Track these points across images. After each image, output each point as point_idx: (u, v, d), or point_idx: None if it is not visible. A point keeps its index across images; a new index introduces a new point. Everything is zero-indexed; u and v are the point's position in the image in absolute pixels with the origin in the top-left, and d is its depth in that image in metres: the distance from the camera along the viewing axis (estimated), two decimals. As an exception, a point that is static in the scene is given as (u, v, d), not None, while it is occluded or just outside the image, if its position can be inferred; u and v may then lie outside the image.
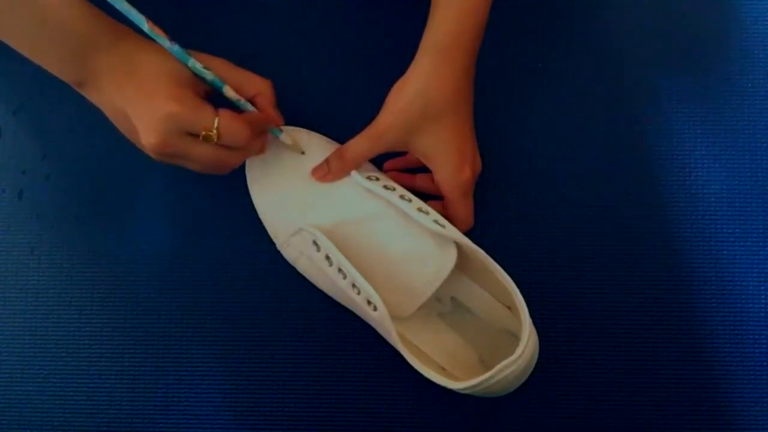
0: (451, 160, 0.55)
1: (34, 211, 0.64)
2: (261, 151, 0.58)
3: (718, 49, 0.64)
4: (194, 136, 0.50)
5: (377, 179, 0.57)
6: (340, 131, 0.60)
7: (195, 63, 0.51)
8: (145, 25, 0.50)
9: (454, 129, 0.55)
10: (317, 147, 0.60)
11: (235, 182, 0.61)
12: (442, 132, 0.55)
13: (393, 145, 0.56)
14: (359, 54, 0.65)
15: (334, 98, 0.64)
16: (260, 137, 0.56)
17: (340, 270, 0.55)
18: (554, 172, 0.63)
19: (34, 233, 0.64)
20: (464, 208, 0.58)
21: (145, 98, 0.49)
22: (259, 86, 0.55)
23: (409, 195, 0.56)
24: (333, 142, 0.61)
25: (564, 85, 0.64)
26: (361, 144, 0.56)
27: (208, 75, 0.52)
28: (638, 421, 0.60)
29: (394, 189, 0.56)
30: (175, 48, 0.51)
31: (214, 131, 0.50)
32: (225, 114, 0.51)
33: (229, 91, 0.54)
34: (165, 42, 0.50)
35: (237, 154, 0.53)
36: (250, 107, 0.55)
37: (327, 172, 0.57)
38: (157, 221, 0.63)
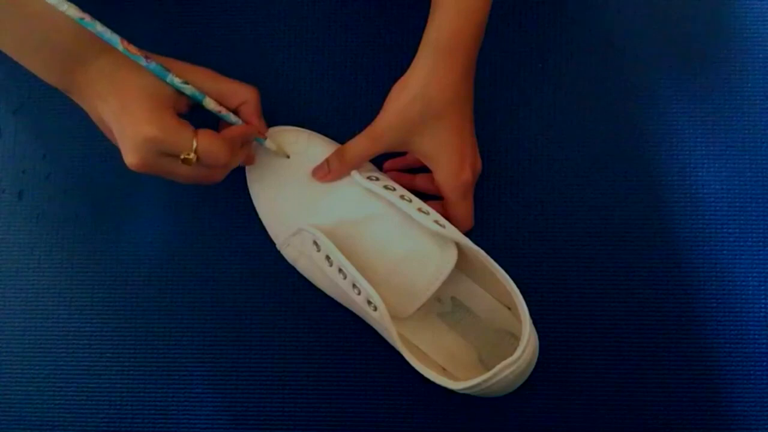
0: (451, 160, 0.55)
1: (34, 211, 0.64)
2: (249, 161, 0.58)
3: (718, 49, 0.64)
4: (174, 156, 0.50)
5: (377, 179, 0.57)
6: (340, 131, 0.60)
7: (173, 78, 0.51)
8: (120, 45, 0.49)
9: (454, 129, 0.55)
10: (317, 147, 0.60)
11: (235, 182, 0.61)
12: (442, 132, 0.55)
13: (393, 146, 0.56)
14: (359, 54, 0.65)
15: (334, 98, 0.64)
16: (244, 148, 0.55)
17: (340, 270, 0.55)
18: (554, 172, 0.63)
19: (34, 233, 0.64)
20: (464, 209, 0.58)
21: (126, 118, 0.50)
22: (244, 95, 0.55)
23: (409, 195, 0.56)
24: (333, 142, 0.61)
25: (564, 85, 0.64)
26: (361, 144, 0.56)
27: (188, 89, 0.52)
28: (638, 421, 0.60)
29: (394, 189, 0.56)
30: (153, 65, 0.50)
31: (193, 155, 0.50)
32: (204, 135, 0.51)
33: (209, 104, 0.53)
34: (141, 60, 0.50)
35: (219, 170, 0.53)
36: (232, 118, 0.55)
37: (327, 172, 0.57)
38: (157, 221, 0.63)
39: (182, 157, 0.50)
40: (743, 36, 0.64)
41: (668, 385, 0.60)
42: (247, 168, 0.61)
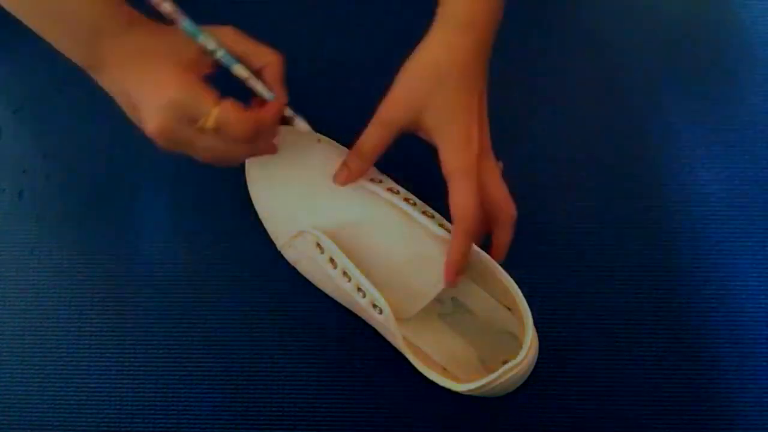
0: (456, 132, 0.52)
1: (34, 211, 0.64)
2: (269, 150, 0.56)
3: (718, 49, 0.64)
4: (194, 122, 0.49)
5: (381, 182, 0.57)
6: (340, 131, 0.60)
7: (206, 38, 0.50)
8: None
9: (462, 103, 0.53)
10: (318, 147, 0.59)
11: (235, 182, 0.61)
12: (450, 104, 0.52)
13: (404, 125, 0.54)
14: (359, 54, 0.65)
15: (334, 98, 0.64)
16: (270, 132, 0.54)
17: (345, 273, 0.55)
18: (554, 172, 0.63)
19: (34, 233, 0.64)
20: (464, 191, 0.53)
21: (149, 84, 0.49)
22: (267, 57, 0.53)
23: (413, 198, 0.56)
24: (333, 142, 0.60)
25: (564, 84, 0.64)
26: (374, 134, 0.54)
27: (220, 52, 0.51)
28: (638, 421, 0.60)
29: (398, 192, 0.56)
30: (186, 22, 0.49)
31: (211, 120, 0.49)
32: (226, 104, 0.49)
33: (239, 70, 0.52)
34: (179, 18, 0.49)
35: (241, 147, 0.52)
36: (260, 87, 0.53)
37: (348, 173, 0.56)
38: (157, 221, 0.63)
39: (201, 122, 0.49)
40: (743, 36, 0.64)
41: (668, 385, 0.61)
42: (247, 168, 0.61)
